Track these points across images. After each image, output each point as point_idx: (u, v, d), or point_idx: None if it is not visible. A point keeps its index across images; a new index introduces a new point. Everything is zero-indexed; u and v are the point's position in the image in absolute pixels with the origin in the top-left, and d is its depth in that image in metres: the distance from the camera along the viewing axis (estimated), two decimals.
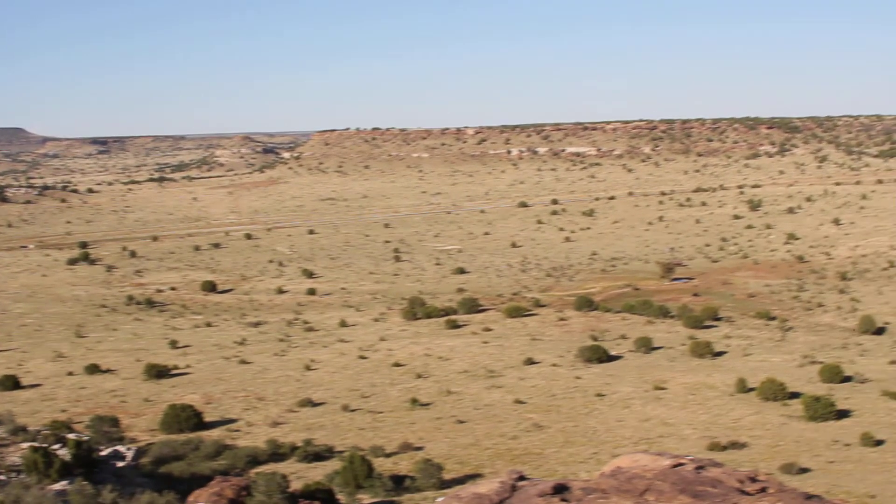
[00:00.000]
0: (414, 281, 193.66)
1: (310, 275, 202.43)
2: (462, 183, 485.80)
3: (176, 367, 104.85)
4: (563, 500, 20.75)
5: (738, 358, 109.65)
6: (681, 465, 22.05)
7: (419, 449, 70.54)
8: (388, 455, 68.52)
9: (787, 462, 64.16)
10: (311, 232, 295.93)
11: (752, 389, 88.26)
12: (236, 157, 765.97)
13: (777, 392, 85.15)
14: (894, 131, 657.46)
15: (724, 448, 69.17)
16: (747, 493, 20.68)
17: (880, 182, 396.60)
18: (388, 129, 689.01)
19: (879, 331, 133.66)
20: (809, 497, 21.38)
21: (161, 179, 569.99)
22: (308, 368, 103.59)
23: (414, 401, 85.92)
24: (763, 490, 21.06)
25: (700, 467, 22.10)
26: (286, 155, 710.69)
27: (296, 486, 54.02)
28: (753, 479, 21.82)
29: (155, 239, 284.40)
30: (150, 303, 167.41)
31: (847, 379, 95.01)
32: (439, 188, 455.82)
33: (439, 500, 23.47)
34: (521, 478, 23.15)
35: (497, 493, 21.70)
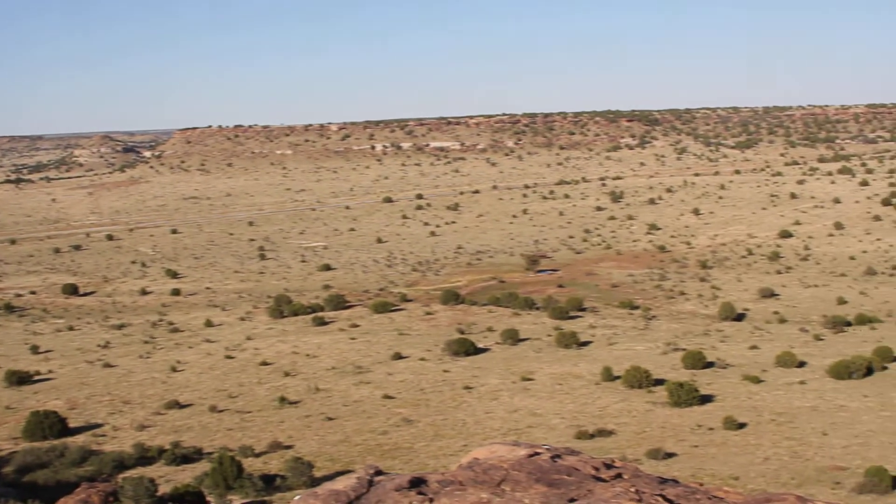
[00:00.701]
0: (280, 279, 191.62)
1: (174, 275, 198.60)
2: (326, 179, 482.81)
3: (38, 373, 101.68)
4: (420, 493, 20.59)
5: (603, 347, 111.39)
6: (537, 454, 22.14)
7: (289, 447, 69.91)
8: (258, 455, 67.74)
9: (654, 447, 65.43)
10: (175, 231, 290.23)
11: (617, 378, 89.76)
12: (96, 156, 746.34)
13: (642, 379, 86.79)
14: (750, 122, 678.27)
15: (592, 436, 70.17)
16: (602, 480, 20.88)
17: (738, 172, 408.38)
18: (250, 127, 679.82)
19: (739, 317, 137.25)
20: (664, 481, 21.70)
21: (18, 181, 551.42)
22: (174, 370, 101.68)
23: (282, 399, 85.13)
24: (618, 476, 21.30)
25: (556, 456, 22.22)
26: (147, 154, 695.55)
27: (164, 489, 52.98)
28: (609, 466, 22.05)
29: (13, 242, 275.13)
30: (9, 308, 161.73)
31: (709, 365, 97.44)
32: (303, 185, 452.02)
33: (296, 497, 23.05)
34: (378, 472, 22.90)
35: (353, 488, 21.41)
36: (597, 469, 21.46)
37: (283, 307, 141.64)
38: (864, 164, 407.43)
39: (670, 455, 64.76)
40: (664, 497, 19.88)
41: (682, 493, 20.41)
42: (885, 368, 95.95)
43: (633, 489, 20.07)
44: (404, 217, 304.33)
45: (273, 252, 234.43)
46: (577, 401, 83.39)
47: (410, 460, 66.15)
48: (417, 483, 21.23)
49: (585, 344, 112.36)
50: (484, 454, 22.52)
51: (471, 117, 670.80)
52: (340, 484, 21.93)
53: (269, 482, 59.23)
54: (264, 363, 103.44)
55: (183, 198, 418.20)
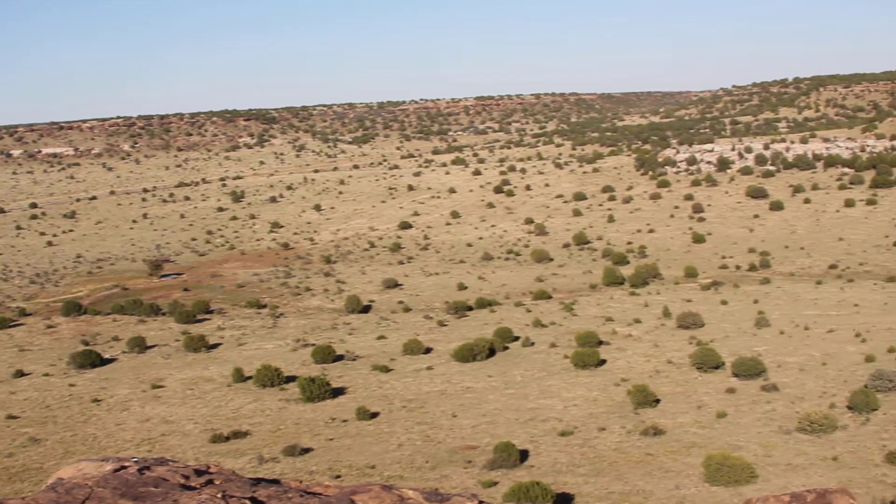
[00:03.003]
0: None
1: None
2: None
3: None
4: None
5: (233, 348, 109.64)
6: (124, 468, 20.82)
7: None
8: None
9: (290, 444, 64.73)
10: None
11: (249, 378, 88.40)
12: None
13: (273, 378, 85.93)
14: (366, 118, 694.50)
15: (227, 438, 68.55)
16: (191, 488, 19.94)
17: (356, 167, 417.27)
18: None
19: (365, 309, 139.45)
20: (257, 482, 21.12)
21: None
22: None
23: None
24: (209, 482, 20.48)
25: (144, 468, 21.00)
26: None
27: None
28: (200, 473, 21.15)
29: None
30: None
31: (339, 358, 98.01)
32: None
33: None
34: None
35: None
36: (186, 477, 20.50)
37: None
38: (476, 155, 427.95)
39: (307, 450, 64.29)
40: (254, 499, 19.34)
41: (274, 493, 19.94)
42: (506, 349, 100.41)
43: (219, 494, 19.29)
44: (18, 228, 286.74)
45: None
46: (209, 404, 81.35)
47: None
48: None
49: (215, 346, 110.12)
50: (70, 473, 20.90)
51: (84, 121, 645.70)
52: None
53: None
54: None
55: None
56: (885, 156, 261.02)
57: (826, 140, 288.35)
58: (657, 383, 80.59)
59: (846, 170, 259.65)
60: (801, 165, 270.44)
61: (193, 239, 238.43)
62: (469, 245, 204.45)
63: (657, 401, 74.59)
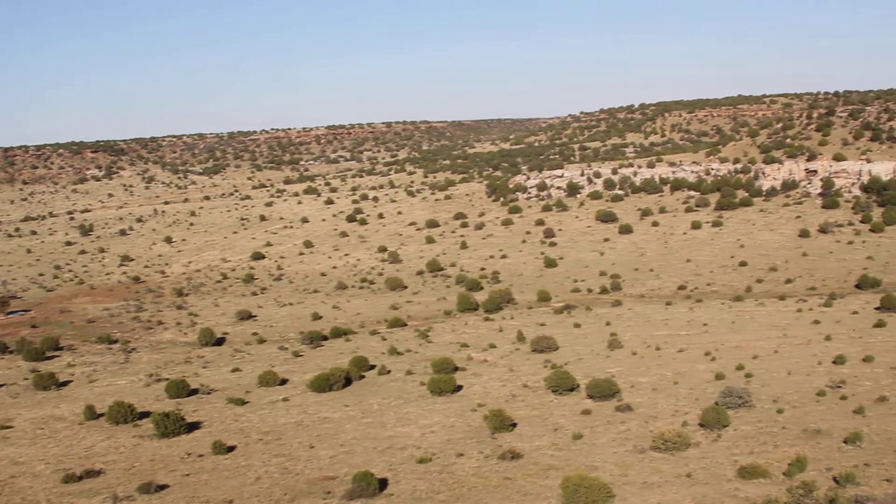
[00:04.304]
0: None
1: None
2: None
3: None
4: None
5: (83, 385, 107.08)
6: None
7: None
8: None
9: (145, 482, 63.73)
10: None
11: (101, 415, 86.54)
12: None
13: (126, 414, 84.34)
14: (216, 148, 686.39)
15: (80, 478, 67.04)
16: None
17: (207, 198, 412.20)
18: None
19: (219, 341, 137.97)
20: None
21: None
22: None
23: None
24: None
25: None
26: None
27: None
28: None
29: None
30: None
31: (193, 392, 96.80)
32: None
33: None
34: None
35: None
36: None
37: None
38: (328, 184, 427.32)
39: (163, 487, 63.38)
40: None
41: None
42: (362, 377, 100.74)
43: None
44: None
45: None
46: (61, 444, 79.33)
47: None
48: None
49: (65, 384, 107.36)
50: None
51: None
52: None
53: None
54: None
55: None
56: (728, 179, 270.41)
57: (672, 164, 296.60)
58: (513, 407, 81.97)
59: (692, 193, 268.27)
60: (649, 189, 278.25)
61: (41, 274, 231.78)
62: (323, 274, 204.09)
63: (514, 425, 75.88)
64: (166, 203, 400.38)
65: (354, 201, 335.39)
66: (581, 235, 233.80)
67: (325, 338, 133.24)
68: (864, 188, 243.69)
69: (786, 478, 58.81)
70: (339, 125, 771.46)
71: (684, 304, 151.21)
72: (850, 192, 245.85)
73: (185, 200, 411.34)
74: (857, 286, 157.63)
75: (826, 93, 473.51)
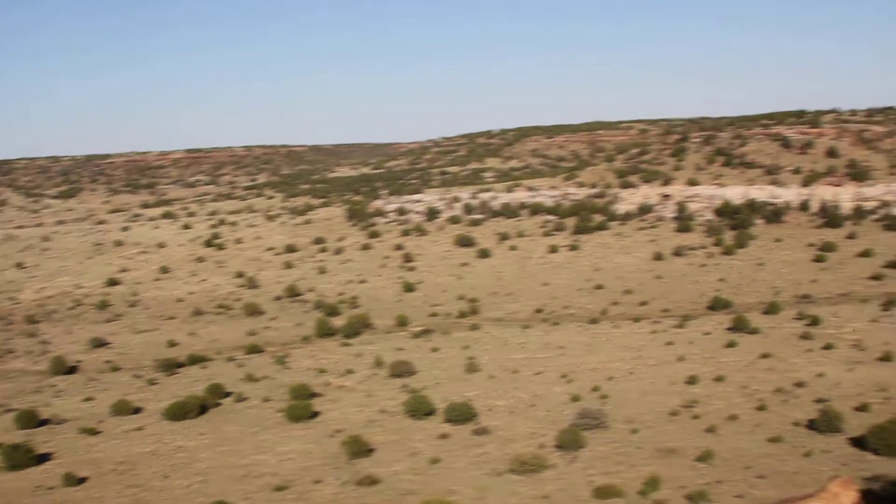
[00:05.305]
0: None
1: None
2: None
3: None
4: None
5: None
6: None
7: None
8: None
9: None
10: None
11: None
12: None
13: None
14: (72, 172, 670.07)
15: None
16: None
17: (61, 223, 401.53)
18: None
19: (72, 370, 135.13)
20: None
21: None
22: None
23: None
24: None
25: None
26: None
27: None
28: None
29: None
30: None
31: (44, 422, 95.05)
32: None
33: None
34: None
35: None
36: None
37: None
38: (186, 208, 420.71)
39: None
40: None
41: None
42: (218, 405, 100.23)
43: None
44: None
45: None
46: None
47: None
48: None
49: None
50: None
51: None
52: None
53: None
54: None
55: None
56: (585, 203, 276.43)
57: (530, 189, 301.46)
58: (371, 433, 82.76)
59: (550, 217, 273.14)
60: (507, 214, 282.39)
61: None
62: (179, 300, 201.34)
63: (371, 450, 76.70)
64: (19, 227, 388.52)
65: (212, 226, 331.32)
66: (440, 260, 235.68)
67: (181, 365, 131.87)
68: (717, 212, 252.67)
69: (640, 497, 60.89)
70: (197, 149, 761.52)
71: (541, 327, 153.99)
72: (703, 216, 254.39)
73: (39, 225, 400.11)
74: (710, 307, 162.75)
75: (681, 119, 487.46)
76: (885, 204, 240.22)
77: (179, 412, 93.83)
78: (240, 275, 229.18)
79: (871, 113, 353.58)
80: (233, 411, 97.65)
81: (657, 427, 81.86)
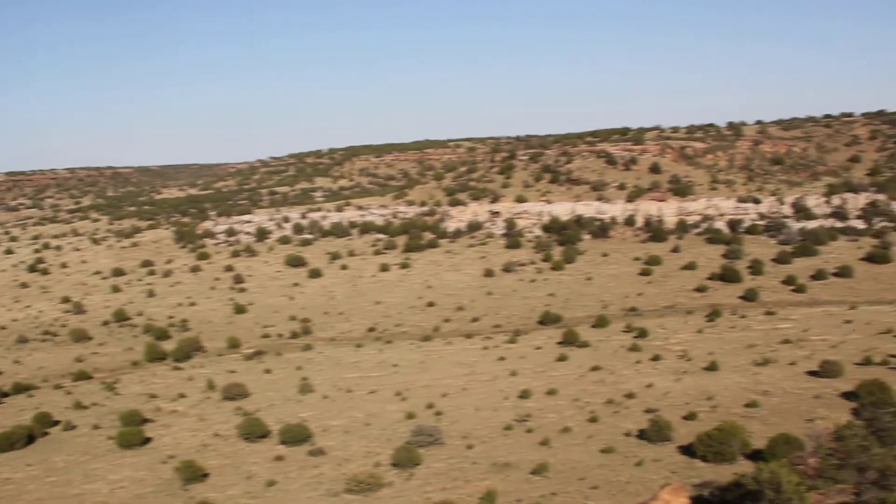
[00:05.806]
0: None
1: None
2: None
3: None
4: None
5: None
6: None
7: None
8: None
9: None
10: None
11: None
12: None
13: None
14: None
15: None
16: None
17: None
18: None
19: None
20: None
21: None
22: None
23: None
24: None
25: None
26: None
27: None
28: None
29: None
30: None
31: None
32: None
33: None
34: None
35: None
36: None
37: None
38: (7, 233, 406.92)
39: None
40: None
41: None
42: (46, 434, 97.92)
43: None
44: None
45: None
46: None
47: None
48: None
49: None
50: None
51: None
52: None
53: None
54: None
55: None
56: (415, 221, 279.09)
57: (360, 208, 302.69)
58: (205, 457, 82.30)
59: (380, 236, 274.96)
60: (338, 233, 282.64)
61: None
62: (2, 328, 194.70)
63: (206, 475, 76.33)
64: None
65: (36, 250, 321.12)
66: (271, 280, 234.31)
67: (6, 394, 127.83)
68: (545, 228, 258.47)
69: None
70: (18, 171, 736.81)
71: (374, 345, 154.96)
72: (531, 232, 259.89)
73: None
74: (540, 322, 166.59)
75: (508, 137, 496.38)
76: (707, 218, 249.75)
77: (5, 443, 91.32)
78: (66, 300, 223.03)
79: (691, 130, 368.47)
80: (62, 440, 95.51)
81: (492, 442, 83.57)
